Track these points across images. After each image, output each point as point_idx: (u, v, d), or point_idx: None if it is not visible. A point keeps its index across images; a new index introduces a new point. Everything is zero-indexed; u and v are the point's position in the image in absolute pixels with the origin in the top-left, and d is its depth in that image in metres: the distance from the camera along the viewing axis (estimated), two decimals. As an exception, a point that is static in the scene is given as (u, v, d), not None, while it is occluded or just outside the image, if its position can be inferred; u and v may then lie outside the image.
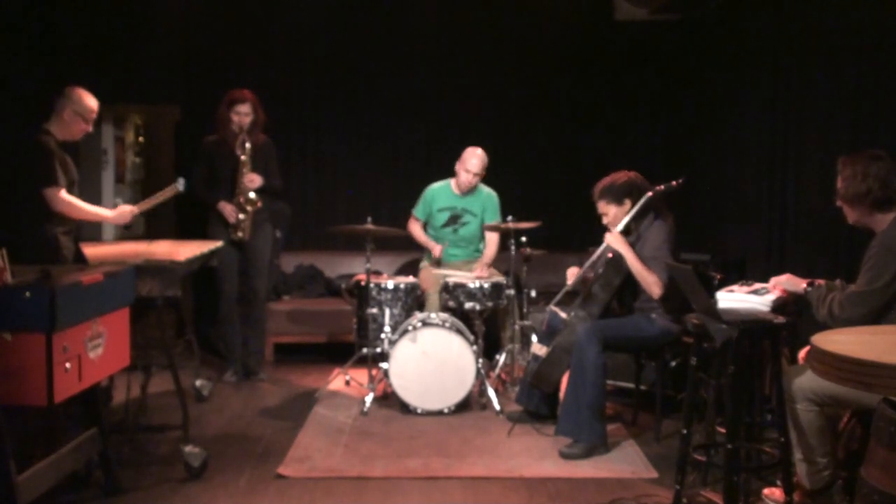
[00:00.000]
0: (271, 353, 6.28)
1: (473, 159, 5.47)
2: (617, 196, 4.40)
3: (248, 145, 5.38)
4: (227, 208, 5.41)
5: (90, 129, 4.45)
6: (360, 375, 5.37)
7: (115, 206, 4.65)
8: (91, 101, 4.38)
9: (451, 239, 5.64)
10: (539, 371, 4.44)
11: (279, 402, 5.18)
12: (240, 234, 5.44)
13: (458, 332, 4.88)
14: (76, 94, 4.36)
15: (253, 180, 5.39)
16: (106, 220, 4.55)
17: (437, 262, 5.62)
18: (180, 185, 4.56)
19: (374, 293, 5.15)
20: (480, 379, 4.93)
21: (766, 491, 3.48)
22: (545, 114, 7.02)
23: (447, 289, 5.18)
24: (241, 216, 5.42)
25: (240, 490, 3.72)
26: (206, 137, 5.57)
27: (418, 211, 5.70)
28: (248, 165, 5.40)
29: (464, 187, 5.52)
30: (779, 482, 3.39)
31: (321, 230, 6.47)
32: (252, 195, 5.40)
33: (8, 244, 3.04)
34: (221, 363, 5.84)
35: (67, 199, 4.25)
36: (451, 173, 5.63)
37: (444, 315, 4.99)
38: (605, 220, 4.48)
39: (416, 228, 5.72)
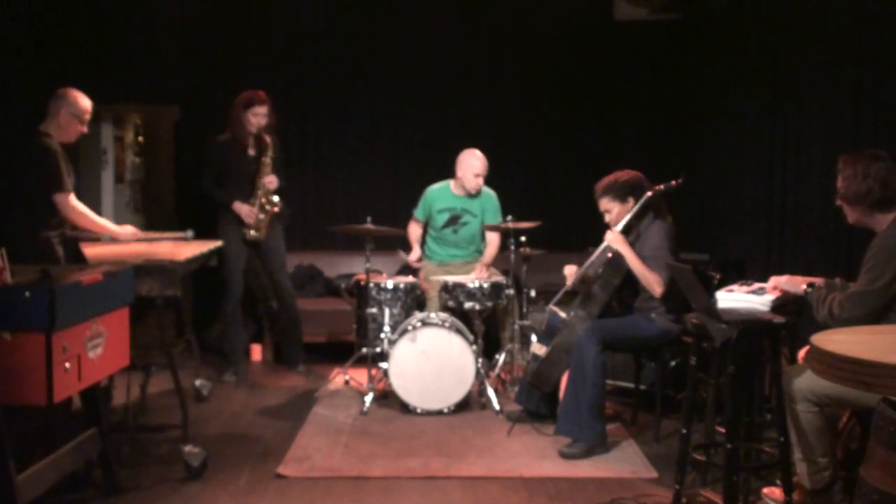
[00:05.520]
0: (270, 352, 6.28)
1: (475, 161, 5.47)
2: (620, 194, 4.40)
3: (271, 147, 5.46)
4: (243, 209, 5.46)
5: (86, 129, 4.44)
6: (360, 375, 5.37)
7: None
8: (86, 102, 4.36)
9: (451, 240, 5.64)
10: (538, 371, 4.44)
11: (279, 402, 5.18)
12: (254, 233, 5.50)
13: (458, 331, 4.88)
14: (71, 95, 4.33)
15: (272, 181, 5.46)
16: (109, 234, 4.55)
17: (429, 259, 5.63)
18: (189, 235, 4.57)
19: (373, 293, 5.15)
20: (480, 379, 4.93)
21: (765, 490, 3.48)
22: (545, 114, 7.02)
23: (447, 289, 5.18)
24: (261, 216, 5.48)
25: (239, 490, 3.72)
26: (217, 137, 5.57)
27: (418, 212, 5.70)
28: (270, 167, 5.46)
29: (474, 190, 5.52)
30: (779, 482, 3.39)
31: (321, 230, 6.47)
32: (275, 197, 5.48)
33: (3, 246, 3.05)
34: (221, 363, 5.84)
35: (77, 207, 4.25)
36: (451, 173, 5.63)
37: (444, 315, 4.99)
38: (607, 218, 4.48)
39: (412, 229, 5.73)
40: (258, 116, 5.43)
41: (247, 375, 5.81)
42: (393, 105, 6.96)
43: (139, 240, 4.50)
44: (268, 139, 5.45)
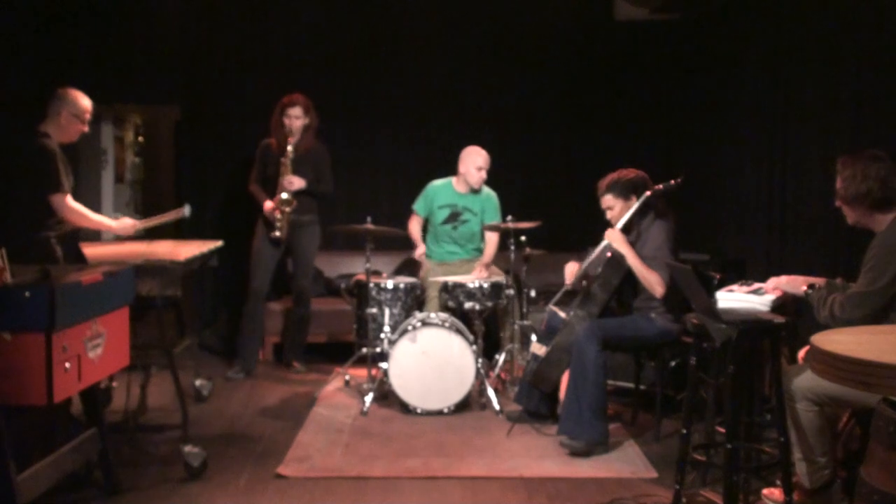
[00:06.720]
0: (270, 352, 6.28)
1: (477, 156, 5.49)
2: (624, 191, 4.40)
3: (289, 148, 5.53)
4: (267, 207, 5.58)
5: (87, 129, 4.44)
6: (360, 375, 5.37)
7: (116, 218, 4.67)
8: (86, 102, 4.36)
9: (450, 236, 5.65)
10: (538, 371, 4.44)
11: (279, 402, 5.18)
12: (277, 233, 5.57)
13: (458, 331, 4.88)
14: (70, 95, 4.33)
15: (292, 182, 5.54)
16: (109, 230, 4.57)
17: (428, 257, 5.63)
18: (186, 210, 4.61)
19: (373, 293, 5.16)
20: (480, 379, 4.93)
21: (765, 491, 3.48)
22: (545, 114, 7.02)
23: (447, 289, 5.18)
24: (278, 215, 5.54)
25: (239, 490, 3.72)
26: (262, 141, 5.76)
27: (419, 207, 5.70)
28: (289, 168, 5.53)
29: (476, 185, 5.53)
30: (778, 482, 3.39)
31: (321, 230, 6.48)
32: (285, 195, 5.53)
33: (3, 246, 3.05)
34: (221, 363, 5.84)
35: (74, 207, 4.25)
36: (451, 173, 5.63)
37: (444, 315, 4.99)
38: (608, 215, 4.47)
39: (413, 225, 5.72)
40: (291, 118, 5.56)
41: (249, 375, 5.80)
42: (393, 104, 6.95)
43: (138, 230, 4.52)
44: (290, 140, 5.53)
